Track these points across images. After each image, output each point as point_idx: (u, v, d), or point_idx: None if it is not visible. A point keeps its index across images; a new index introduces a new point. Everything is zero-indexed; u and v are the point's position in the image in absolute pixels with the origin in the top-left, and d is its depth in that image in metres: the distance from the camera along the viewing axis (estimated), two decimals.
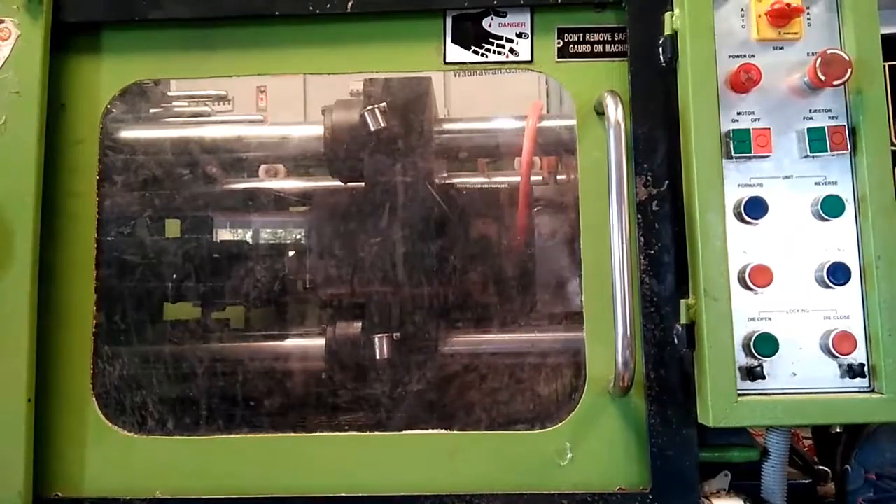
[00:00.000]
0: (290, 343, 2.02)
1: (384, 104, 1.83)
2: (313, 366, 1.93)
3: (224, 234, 2.19)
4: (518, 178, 1.89)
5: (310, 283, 1.98)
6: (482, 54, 1.57)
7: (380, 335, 1.82)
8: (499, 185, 2.11)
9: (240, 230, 2.28)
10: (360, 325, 1.88)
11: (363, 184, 1.89)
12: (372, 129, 1.83)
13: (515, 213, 1.89)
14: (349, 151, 1.89)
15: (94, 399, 1.53)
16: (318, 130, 1.94)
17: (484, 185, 2.16)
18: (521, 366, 1.85)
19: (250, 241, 2.24)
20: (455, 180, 2.14)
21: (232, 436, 1.57)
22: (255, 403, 1.90)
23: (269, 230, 2.32)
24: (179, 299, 1.98)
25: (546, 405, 1.79)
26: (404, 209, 1.84)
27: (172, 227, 2.07)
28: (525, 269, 1.91)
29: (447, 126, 2.02)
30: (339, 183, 2.01)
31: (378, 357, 1.81)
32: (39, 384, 1.49)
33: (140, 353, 1.89)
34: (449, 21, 1.57)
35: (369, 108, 1.82)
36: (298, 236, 2.20)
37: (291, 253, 2.01)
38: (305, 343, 2.00)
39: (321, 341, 1.91)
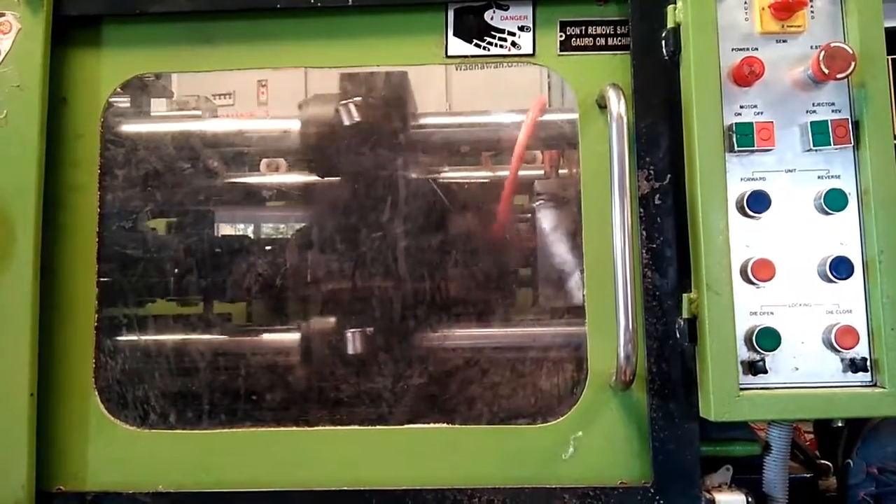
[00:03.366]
0: (291, 337, 2.02)
1: (359, 99, 1.83)
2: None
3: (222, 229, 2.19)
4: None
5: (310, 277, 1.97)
6: (484, 47, 1.56)
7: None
8: (485, 180, 2.10)
9: (235, 225, 2.27)
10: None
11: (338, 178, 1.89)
12: (346, 123, 1.82)
13: (512, 208, 1.88)
14: (323, 147, 1.89)
15: (96, 393, 1.53)
16: None
17: (476, 180, 2.15)
18: (523, 360, 1.85)
19: (251, 235, 2.24)
20: (439, 175, 2.12)
21: (234, 430, 1.57)
22: (256, 397, 1.90)
23: (269, 225, 2.31)
24: (181, 293, 1.98)
25: (548, 399, 1.79)
26: (386, 205, 1.84)
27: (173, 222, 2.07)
28: (527, 263, 1.90)
29: (423, 121, 2.00)
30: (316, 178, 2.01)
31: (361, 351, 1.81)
32: (42, 378, 1.49)
33: (142, 347, 1.89)
34: (451, 14, 1.57)
35: (343, 102, 1.82)
36: (297, 230, 2.20)
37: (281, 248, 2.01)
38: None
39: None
